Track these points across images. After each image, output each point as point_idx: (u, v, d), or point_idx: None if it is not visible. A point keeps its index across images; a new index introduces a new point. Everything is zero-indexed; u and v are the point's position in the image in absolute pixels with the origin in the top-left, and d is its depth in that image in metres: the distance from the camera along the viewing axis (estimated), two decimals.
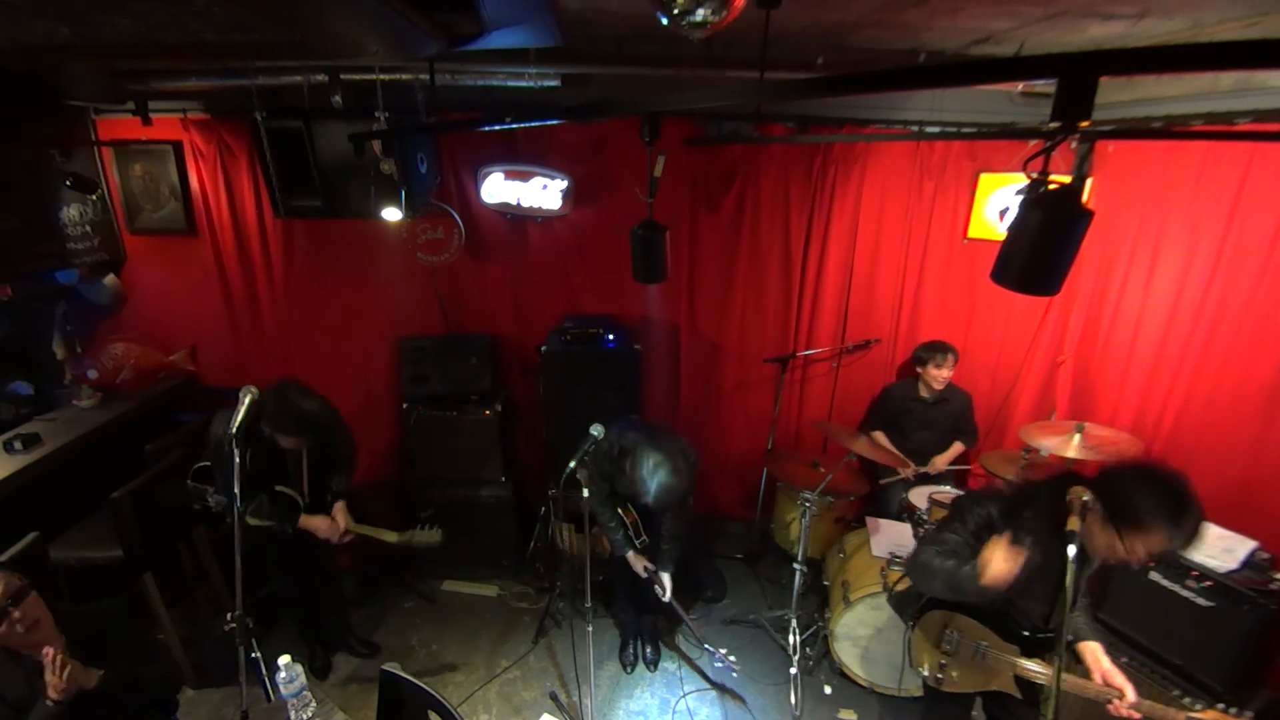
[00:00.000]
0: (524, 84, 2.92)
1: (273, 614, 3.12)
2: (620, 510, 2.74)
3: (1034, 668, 1.94)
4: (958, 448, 3.50)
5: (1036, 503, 1.78)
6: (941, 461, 3.46)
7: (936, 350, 3.33)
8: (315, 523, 2.70)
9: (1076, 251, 1.30)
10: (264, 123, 2.83)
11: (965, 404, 3.47)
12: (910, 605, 2.19)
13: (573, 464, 2.27)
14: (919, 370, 3.41)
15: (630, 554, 2.72)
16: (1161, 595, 2.63)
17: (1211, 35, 2.11)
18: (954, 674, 2.05)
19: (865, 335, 3.67)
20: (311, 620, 3.07)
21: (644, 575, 2.70)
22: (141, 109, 3.14)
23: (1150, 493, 1.59)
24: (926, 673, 2.10)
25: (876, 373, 3.75)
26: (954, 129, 3.23)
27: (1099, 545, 1.70)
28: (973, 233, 3.35)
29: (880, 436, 3.56)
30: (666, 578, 2.71)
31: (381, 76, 2.68)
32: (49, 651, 1.67)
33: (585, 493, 2.39)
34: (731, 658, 2.89)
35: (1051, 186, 1.27)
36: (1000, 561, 1.69)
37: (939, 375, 3.31)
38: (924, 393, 3.44)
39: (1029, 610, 1.94)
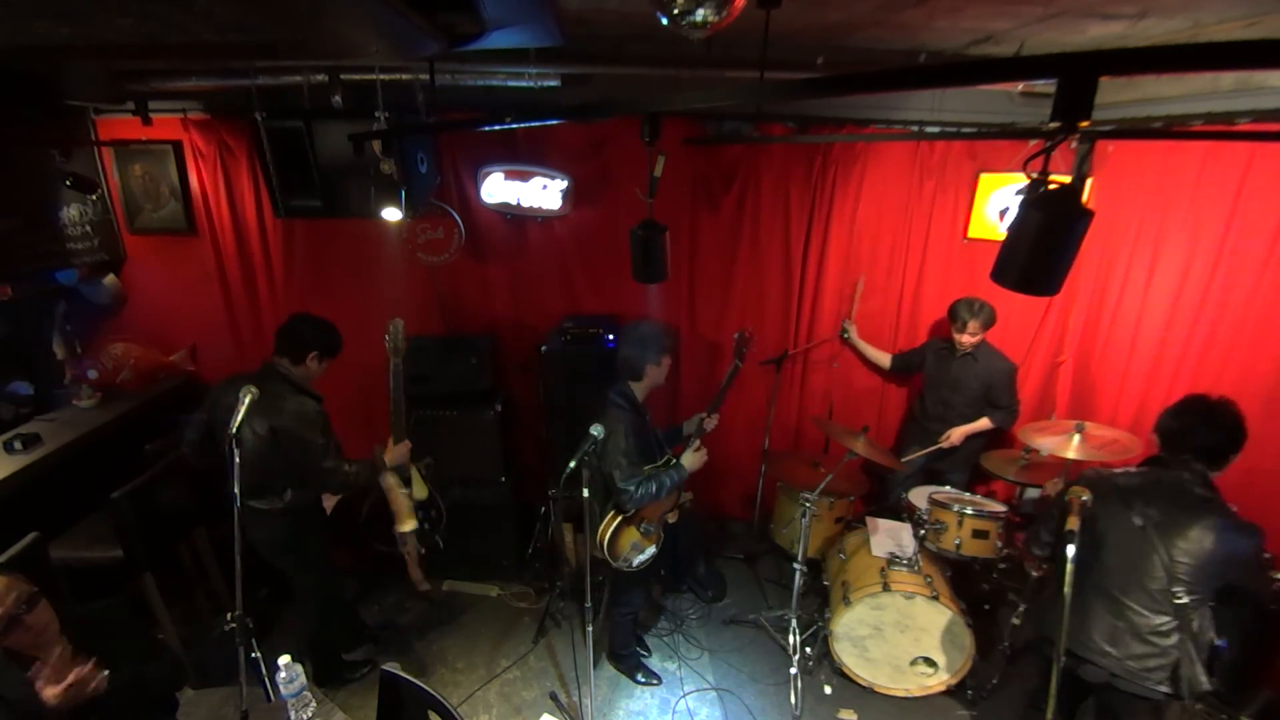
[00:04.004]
0: (524, 84, 2.92)
1: (273, 614, 3.11)
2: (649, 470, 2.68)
3: None
4: (984, 422, 3.23)
5: None
6: (958, 434, 3.25)
7: (958, 311, 3.16)
8: (401, 451, 2.80)
9: (1076, 252, 1.30)
10: (264, 123, 2.83)
11: (1000, 372, 3.19)
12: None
13: (573, 464, 2.27)
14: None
15: (689, 455, 2.74)
16: None
17: (1211, 35, 2.11)
18: None
19: (865, 335, 3.67)
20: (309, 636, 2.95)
21: (705, 430, 2.88)
22: (141, 109, 3.14)
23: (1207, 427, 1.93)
24: None
25: (876, 372, 3.75)
26: (954, 129, 3.23)
27: None
28: (973, 233, 3.35)
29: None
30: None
31: (381, 76, 2.68)
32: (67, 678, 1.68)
33: (585, 493, 2.39)
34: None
35: (1051, 186, 1.27)
36: None
37: (960, 340, 3.19)
38: (956, 344, 3.25)
39: None
